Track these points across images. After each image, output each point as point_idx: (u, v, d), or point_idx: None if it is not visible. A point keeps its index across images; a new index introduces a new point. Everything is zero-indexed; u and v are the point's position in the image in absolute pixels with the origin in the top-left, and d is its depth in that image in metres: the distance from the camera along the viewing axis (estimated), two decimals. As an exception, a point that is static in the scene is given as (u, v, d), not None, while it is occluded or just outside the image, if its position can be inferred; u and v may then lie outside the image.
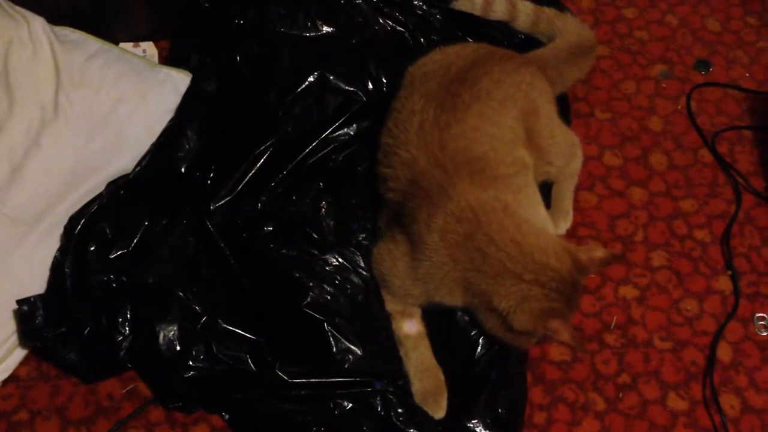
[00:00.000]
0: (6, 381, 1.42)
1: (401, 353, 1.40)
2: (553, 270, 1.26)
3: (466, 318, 1.42)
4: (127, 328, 1.41)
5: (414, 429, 1.35)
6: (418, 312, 1.43)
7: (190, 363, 1.39)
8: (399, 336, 1.41)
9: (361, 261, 1.46)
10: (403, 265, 1.36)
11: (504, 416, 1.37)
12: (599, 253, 1.31)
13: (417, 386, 1.38)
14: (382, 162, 1.45)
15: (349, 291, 1.43)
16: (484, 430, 1.35)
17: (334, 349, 1.37)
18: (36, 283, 1.44)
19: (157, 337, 1.39)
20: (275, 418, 1.38)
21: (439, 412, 1.36)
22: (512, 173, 1.39)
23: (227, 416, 1.40)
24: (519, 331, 1.27)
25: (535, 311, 1.25)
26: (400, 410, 1.36)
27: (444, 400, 1.37)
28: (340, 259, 1.45)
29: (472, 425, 1.35)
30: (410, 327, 1.41)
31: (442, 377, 1.39)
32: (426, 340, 1.42)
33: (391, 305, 1.42)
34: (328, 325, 1.38)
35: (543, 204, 1.48)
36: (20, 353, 1.43)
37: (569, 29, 1.73)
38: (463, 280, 1.30)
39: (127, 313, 1.42)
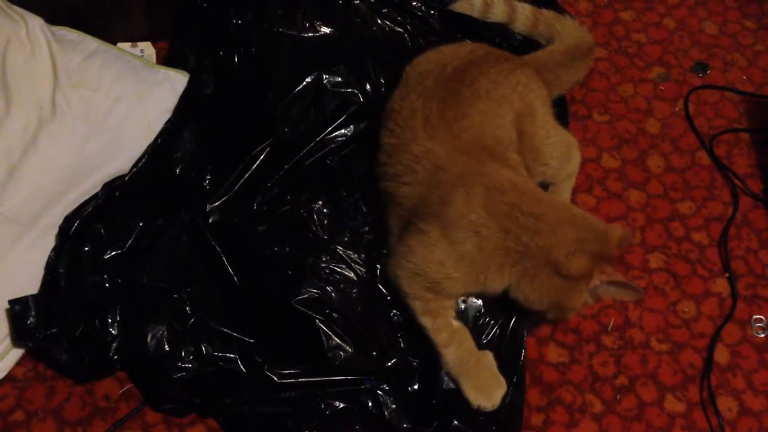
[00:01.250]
0: (2, 381, 1.42)
1: (444, 354, 1.36)
2: (598, 230, 1.31)
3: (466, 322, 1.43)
4: (116, 329, 1.41)
5: (408, 423, 1.35)
6: (451, 308, 1.39)
7: (179, 364, 1.38)
8: (442, 339, 1.36)
9: (354, 257, 1.46)
10: (439, 251, 1.33)
11: (501, 417, 1.37)
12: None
13: (473, 384, 1.35)
14: (387, 162, 1.45)
15: (342, 287, 1.43)
16: (482, 431, 1.35)
17: (326, 346, 1.37)
18: (32, 283, 1.44)
19: (146, 338, 1.39)
20: (267, 422, 1.37)
21: (498, 399, 1.35)
22: (513, 167, 1.42)
23: (221, 419, 1.40)
24: (574, 276, 1.28)
25: (591, 253, 1.28)
26: (393, 406, 1.36)
27: (501, 385, 1.36)
28: (333, 256, 1.45)
29: (469, 426, 1.35)
30: (454, 322, 1.37)
31: (493, 361, 1.37)
32: (468, 333, 1.38)
33: (428, 305, 1.37)
34: (320, 321, 1.37)
35: None
36: (16, 353, 1.43)
37: (567, 32, 1.74)
38: (515, 249, 1.30)
39: (117, 314, 1.42)
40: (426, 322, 1.37)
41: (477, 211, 1.31)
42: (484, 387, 1.35)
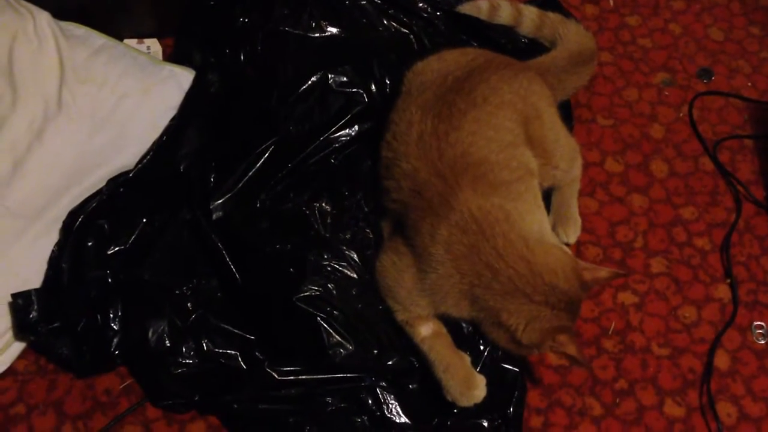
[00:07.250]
0: (3, 374, 1.42)
1: (423, 358, 1.38)
2: (562, 292, 1.26)
3: (470, 328, 1.43)
4: (118, 324, 1.41)
5: (408, 420, 1.36)
6: (427, 316, 1.40)
7: (180, 359, 1.39)
8: (417, 342, 1.38)
9: (355, 256, 1.46)
10: (409, 276, 1.35)
11: (501, 419, 1.37)
12: (603, 273, 1.32)
13: (445, 384, 1.35)
14: (384, 175, 1.45)
15: (343, 285, 1.43)
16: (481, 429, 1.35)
17: (326, 343, 1.37)
18: (35, 277, 1.44)
19: (147, 333, 1.39)
20: (267, 419, 1.37)
21: (474, 399, 1.34)
22: (515, 179, 1.38)
23: (221, 416, 1.40)
24: (526, 345, 1.28)
25: (543, 329, 1.26)
26: (392, 403, 1.37)
27: (475, 387, 1.35)
28: (335, 254, 1.45)
29: (469, 424, 1.35)
30: (426, 329, 1.39)
31: (466, 364, 1.37)
32: (443, 337, 1.39)
33: (401, 315, 1.40)
34: (321, 319, 1.38)
35: (545, 210, 1.47)
36: (18, 347, 1.43)
37: (570, 37, 1.74)
38: (470, 294, 1.30)
39: (118, 309, 1.42)
40: (405, 328, 1.40)
41: (437, 248, 1.30)
42: (458, 386, 1.35)
